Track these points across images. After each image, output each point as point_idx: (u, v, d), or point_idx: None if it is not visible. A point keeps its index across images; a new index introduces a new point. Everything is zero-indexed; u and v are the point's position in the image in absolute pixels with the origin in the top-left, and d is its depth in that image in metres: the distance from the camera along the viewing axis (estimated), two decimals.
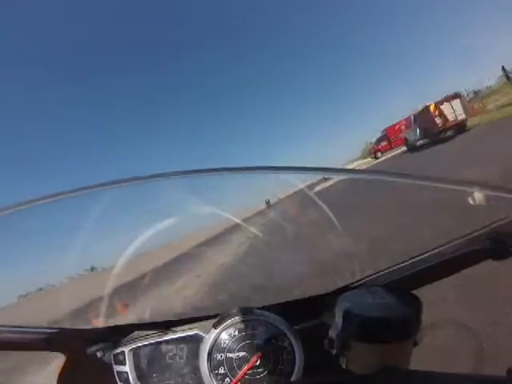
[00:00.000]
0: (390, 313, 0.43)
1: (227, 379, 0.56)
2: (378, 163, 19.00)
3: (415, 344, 0.46)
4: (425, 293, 0.55)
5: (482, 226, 0.52)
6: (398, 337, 0.43)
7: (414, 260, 0.59)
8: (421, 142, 14.76)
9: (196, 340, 0.60)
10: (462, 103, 12.30)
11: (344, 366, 0.46)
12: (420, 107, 13.49)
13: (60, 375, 0.65)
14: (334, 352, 0.46)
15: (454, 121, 11.96)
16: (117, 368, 0.60)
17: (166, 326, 0.66)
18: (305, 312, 0.62)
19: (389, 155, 20.15)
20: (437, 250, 0.56)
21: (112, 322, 0.69)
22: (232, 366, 0.57)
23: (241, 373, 0.56)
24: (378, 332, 0.43)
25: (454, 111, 11.98)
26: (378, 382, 0.29)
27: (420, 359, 0.48)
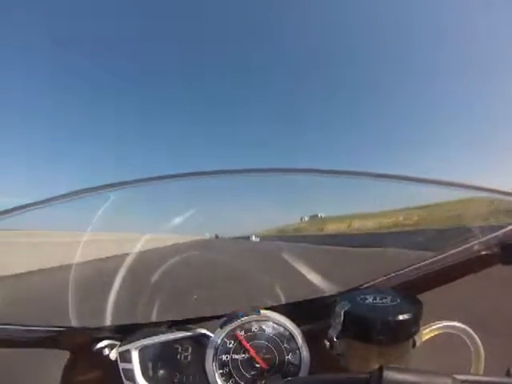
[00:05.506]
0: (389, 314, 0.44)
1: (232, 379, 0.57)
2: None
3: (414, 345, 0.47)
4: (428, 295, 0.55)
5: (491, 230, 0.52)
6: (397, 338, 0.44)
7: (422, 264, 0.59)
8: None
9: (202, 339, 0.61)
10: None
11: (344, 366, 0.47)
12: None
13: (66, 373, 0.66)
14: (334, 352, 0.47)
15: None
16: (123, 366, 0.60)
17: (172, 324, 0.66)
18: (311, 313, 0.63)
19: None
20: (446, 254, 0.56)
21: (119, 321, 0.70)
22: (238, 366, 0.58)
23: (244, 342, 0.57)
24: (376, 333, 0.43)
25: None
26: (375, 382, 0.29)
27: (419, 359, 0.48)
